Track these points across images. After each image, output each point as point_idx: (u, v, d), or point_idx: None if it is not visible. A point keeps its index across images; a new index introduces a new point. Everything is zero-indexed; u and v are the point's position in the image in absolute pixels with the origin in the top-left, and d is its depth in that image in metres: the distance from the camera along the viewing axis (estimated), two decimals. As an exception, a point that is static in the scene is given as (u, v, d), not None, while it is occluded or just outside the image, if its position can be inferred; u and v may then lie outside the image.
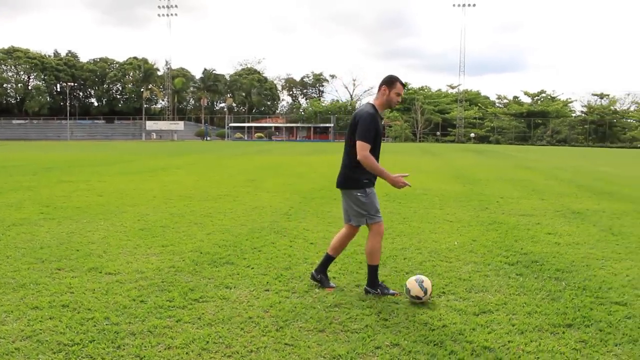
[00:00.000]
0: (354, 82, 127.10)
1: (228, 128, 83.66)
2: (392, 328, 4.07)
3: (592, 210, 10.16)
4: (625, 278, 5.54)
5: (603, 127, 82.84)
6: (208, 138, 77.85)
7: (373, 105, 4.84)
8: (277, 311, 4.39)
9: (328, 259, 5.12)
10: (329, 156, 30.68)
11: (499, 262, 6.07)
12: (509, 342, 3.86)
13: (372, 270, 4.90)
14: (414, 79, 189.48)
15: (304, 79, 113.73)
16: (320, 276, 5.09)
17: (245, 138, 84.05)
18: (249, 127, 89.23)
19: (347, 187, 4.89)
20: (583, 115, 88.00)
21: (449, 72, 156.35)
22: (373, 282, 4.91)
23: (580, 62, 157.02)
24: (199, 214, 9.05)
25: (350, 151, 4.84)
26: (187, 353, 3.58)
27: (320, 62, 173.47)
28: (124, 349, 3.62)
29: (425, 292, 4.60)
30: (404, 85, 4.88)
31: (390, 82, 4.81)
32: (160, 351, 3.61)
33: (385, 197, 11.52)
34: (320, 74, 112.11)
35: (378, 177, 4.86)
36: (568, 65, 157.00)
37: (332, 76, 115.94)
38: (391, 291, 4.91)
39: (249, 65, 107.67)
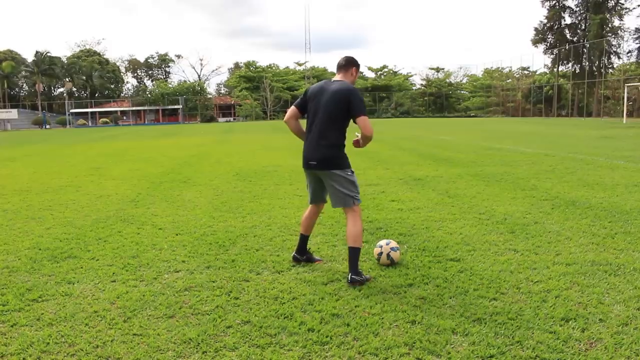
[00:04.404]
0: (201, 62, 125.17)
1: (69, 114, 78.29)
2: (243, 306, 4.08)
3: (431, 176, 10.87)
4: (459, 236, 6.00)
5: (441, 99, 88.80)
6: (47, 126, 72.51)
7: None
8: (124, 302, 4.22)
9: (304, 239, 5.11)
10: (179, 139, 29.91)
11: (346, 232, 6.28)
12: (355, 307, 4.02)
13: (357, 254, 4.59)
14: (261, 57, 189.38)
15: (149, 60, 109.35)
16: (305, 256, 5.11)
17: (90, 124, 79.39)
18: (92, 113, 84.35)
19: (334, 167, 4.60)
20: (423, 88, 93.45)
21: (296, 49, 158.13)
22: (356, 268, 4.54)
23: (417, 38, 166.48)
24: (37, 207, 8.42)
25: (336, 127, 4.60)
26: (24, 358, 3.33)
27: (165, 42, 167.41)
28: (-53, 363, 3.29)
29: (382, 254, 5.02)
30: None
31: (359, 65, 4.86)
32: (-9, 360, 3.32)
33: (235, 177, 11.49)
34: (166, 55, 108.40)
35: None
36: (406, 42, 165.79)
37: (178, 56, 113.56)
38: (365, 276, 4.62)
39: (87, 47, 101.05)
